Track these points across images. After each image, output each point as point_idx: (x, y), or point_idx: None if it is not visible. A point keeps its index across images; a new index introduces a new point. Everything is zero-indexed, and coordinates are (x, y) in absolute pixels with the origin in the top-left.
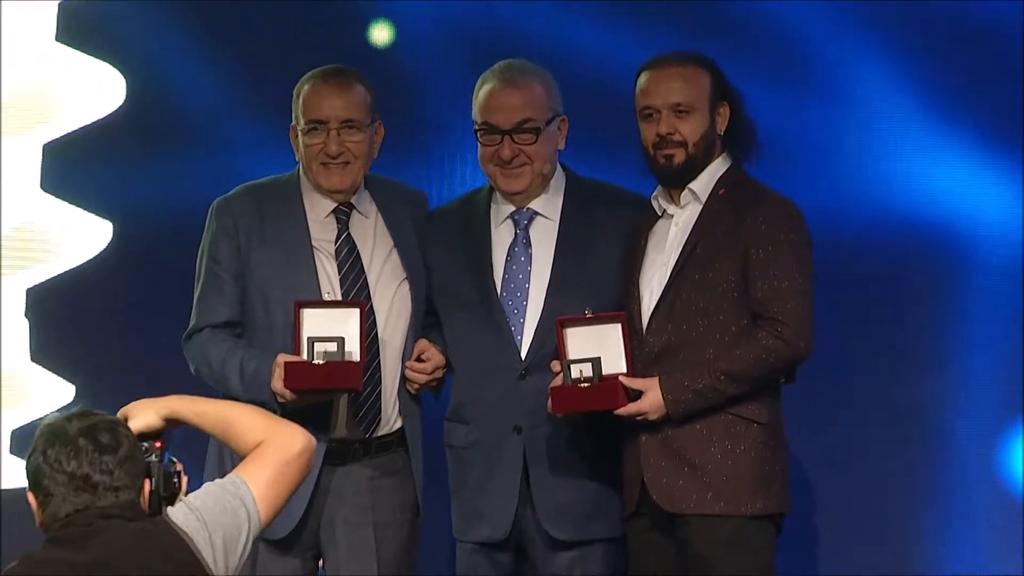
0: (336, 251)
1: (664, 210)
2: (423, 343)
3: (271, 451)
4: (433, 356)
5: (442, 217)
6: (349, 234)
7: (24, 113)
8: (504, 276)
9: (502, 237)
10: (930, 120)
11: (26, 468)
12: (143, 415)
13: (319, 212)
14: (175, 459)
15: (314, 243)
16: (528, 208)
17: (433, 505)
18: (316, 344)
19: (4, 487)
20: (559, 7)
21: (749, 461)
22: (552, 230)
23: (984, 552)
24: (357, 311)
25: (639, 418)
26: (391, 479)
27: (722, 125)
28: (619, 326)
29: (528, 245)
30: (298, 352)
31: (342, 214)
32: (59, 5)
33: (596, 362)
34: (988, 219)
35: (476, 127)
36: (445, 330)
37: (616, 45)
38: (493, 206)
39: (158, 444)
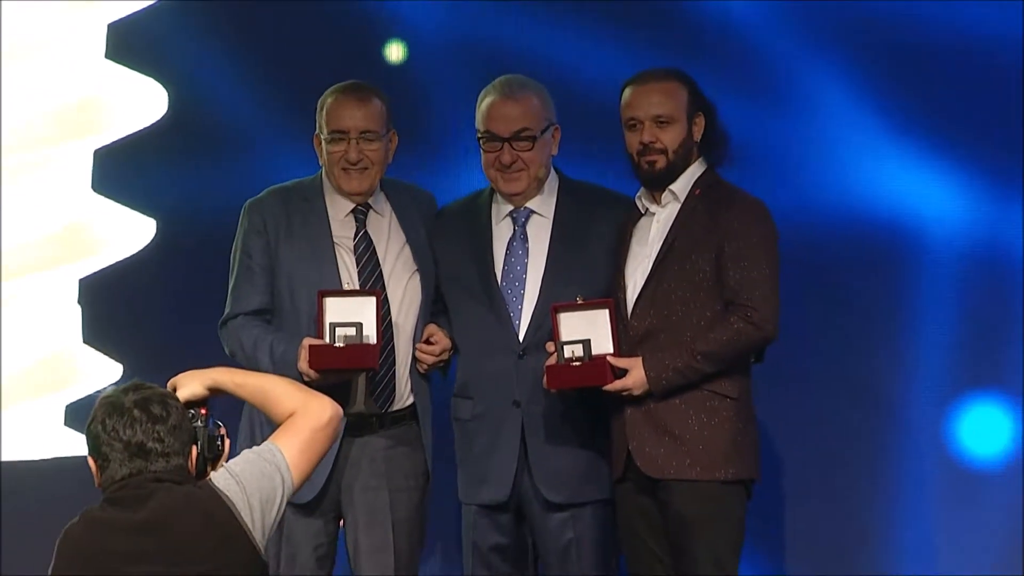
0: (355, 246)
1: (647, 209)
2: (432, 327)
3: (303, 421)
4: (441, 339)
5: (449, 215)
6: (366, 231)
7: (76, 122)
8: (504, 267)
9: (502, 233)
10: (883, 129)
11: (86, 435)
12: (190, 385)
13: (339, 211)
14: (220, 423)
15: (335, 239)
16: (525, 207)
17: (441, 472)
18: (337, 329)
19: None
20: (556, 29)
21: (722, 432)
22: (547, 226)
23: (932, 513)
24: (374, 299)
25: (625, 393)
26: (404, 448)
27: (698, 133)
28: (607, 311)
29: (525, 240)
30: (321, 336)
31: (360, 213)
32: (108, 26)
33: (586, 343)
34: (933, 215)
35: (479, 135)
36: (451, 315)
37: (604, 62)
38: (494, 205)
39: (203, 411)
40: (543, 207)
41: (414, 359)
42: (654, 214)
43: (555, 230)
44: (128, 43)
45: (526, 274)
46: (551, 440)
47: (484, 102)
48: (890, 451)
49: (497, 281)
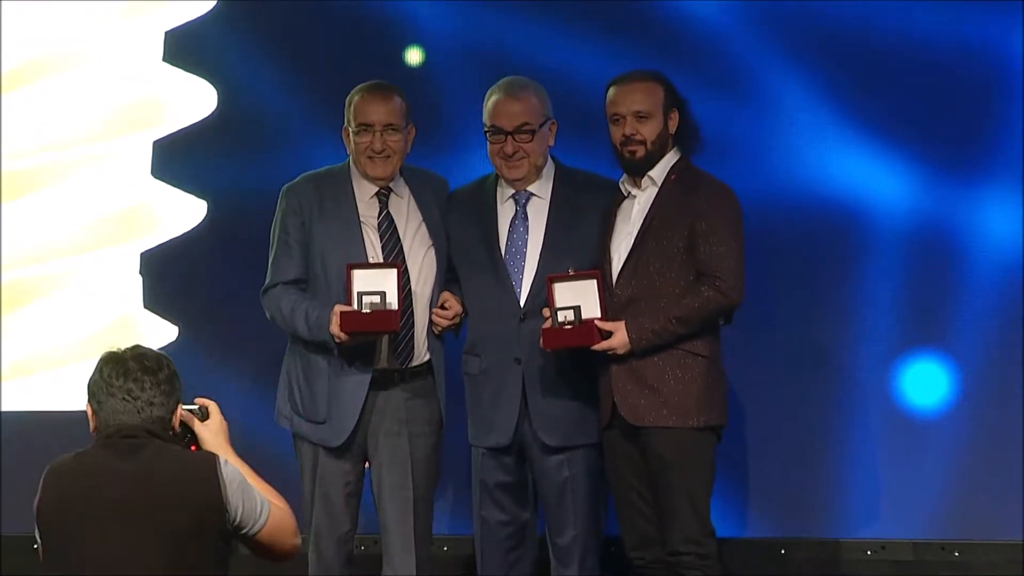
0: (378, 224)
1: (629, 192)
2: (446, 294)
3: (287, 532)
4: (453, 305)
5: (459, 197)
6: (388, 212)
7: (137, 117)
8: (507, 243)
9: (506, 213)
10: (836, 123)
11: (87, 386)
12: (206, 435)
13: (365, 194)
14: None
15: (361, 218)
16: (526, 191)
17: (454, 419)
18: (364, 297)
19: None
20: (554, 36)
21: (695, 385)
22: (544, 207)
23: (879, 459)
24: (395, 271)
25: (610, 352)
26: (421, 399)
27: (673, 127)
28: (595, 281)
29: (526, 219)
30: (350, 303)
31: (383, 196)
32: (164, 33)
33: (577, 309)
34: (879, 198)
35: (485, 129)
36: (462, 284)
37: (594, 64)
38: (499, 189)
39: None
40: (541, 190)
41: (430, 322)
42: (635, 197)
43: (552, 210)
44: (182, 48)
45: (526, 248)
46: (547, 392)
47: (490, 100)
48: (841, 402)
49: (501, 254)
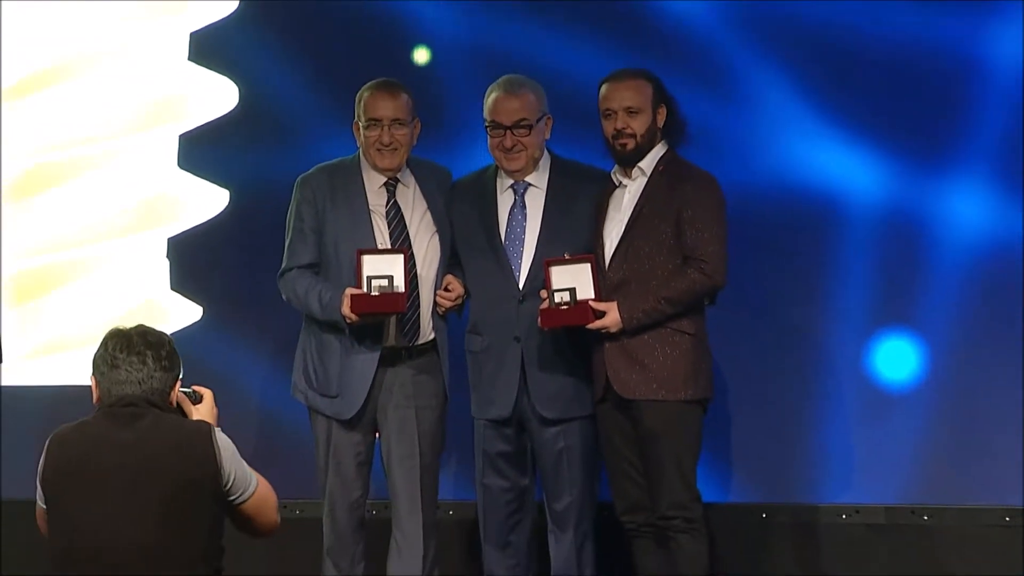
0: (386, 212)
1: (620, 182)
2: (449, 277)
3: (271, 507)
4: (456, 287)
5: (461, 187)
6: (395, 200)
7: (165, 113)
8: (506, 229)
9: (505, 201)
10: (814, 117)
11: (92, 360)
12: (196, 418)
13: (374, 184)
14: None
15: (371, 207)
16: (524, 181)
17: (457, 394)
18: (373, 280)
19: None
20: (551, 37)
21: (682, 361)
22: (541, 196)
23: (853, 430)
24: (401, 256)
25: (603, 331)
26: (427, 375)
27: (661, 121)
28: (589, 265)
29: (524, 207)
30: (359, 286)
31: (390, 185)
32: (190, 34)
33: (572, 291)
34: (854, 187)
35: (487, 123)
36: (464, 268)
37: (589, 62)
38: (498, 179)
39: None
40: (538, 180)
41: (435, 303)
42: (626, 186)
43: (548, 199)
44: (206, 48)
45: (524, 235)
46: (544, 368)
47: (490, 97)
48: (818, 377)
49: (501, 240)
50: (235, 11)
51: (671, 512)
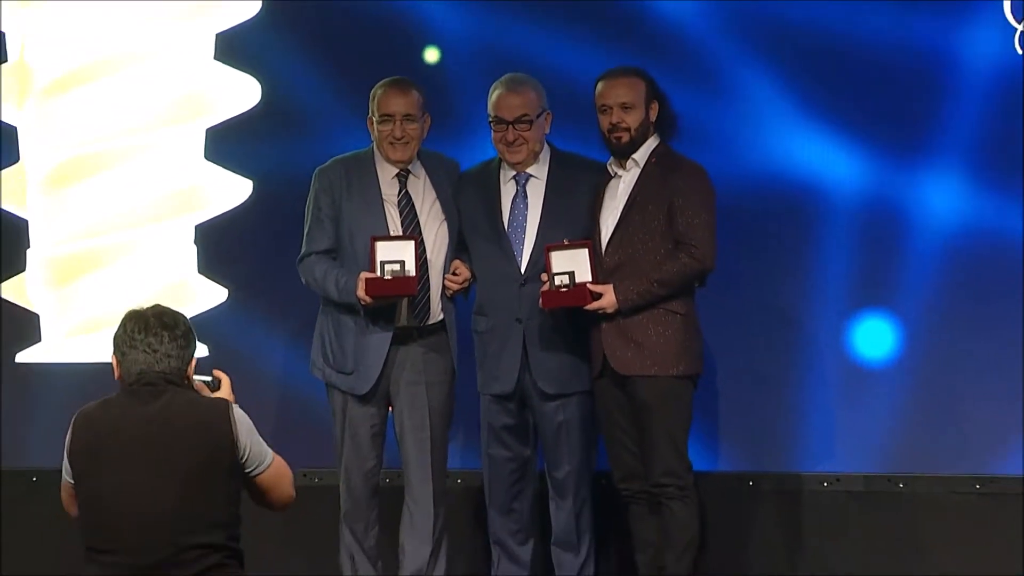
0: (398, 201)
1: (616, 172)
2: (457, 262)
3: (287, 481)
4: (463, 272)
5: (467, 178)
6: (407, 190)
7: (193, 108)
8: (509, 218)
9: (508, 192)
10: (798, 112)
11: (113, 340)
12: (224, 391)
13: (387, 175)
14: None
15: (384, 196)
16: (525, 172)
17: (466, 370)
18: (386, 265)
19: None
20: (553, 38)
21: (674, 340)
22: (541, 187)
23: (833, 403)
24: (412, 243)
25: (600, 311)
26: (436, 353)
27: (653, 116)
28: (586, 249)
29: (525, 197)
30: (373, 271)
31: (402, 176)
32: (216, 35)
33: (571, 274)
34: (835, 177)
35: (490, 119)
36: (471, 253)
37: (587, 60)
38: (501, 171)
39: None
40: (539, 172)
41: (443, 286)
42: (621, 176)
43: (548, 189)
44: (231, 48)
45: (526, 223)
46: (545, 347)
47: (494, 94)
48: (801, 354)
49: (504, 228)
50: (258, 13)
51: (664, 479)
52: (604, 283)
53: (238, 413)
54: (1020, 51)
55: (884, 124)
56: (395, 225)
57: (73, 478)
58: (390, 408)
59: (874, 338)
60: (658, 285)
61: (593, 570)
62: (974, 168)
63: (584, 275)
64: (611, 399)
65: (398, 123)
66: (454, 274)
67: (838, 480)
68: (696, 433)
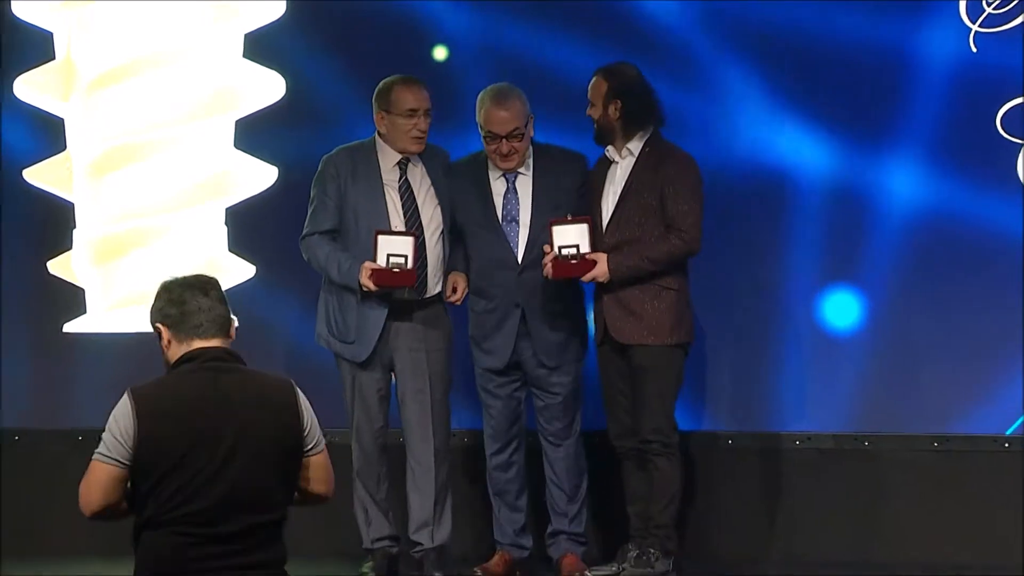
0: (399, 187)
1: (614, 160)
2: (454, 277)
3: (330, 469)
4: (461, 288)
5: (459, 169)
6: (406, 177)
7: (224, 101)
8: (503, 212)
9: (499, 187)
10: (773, 105)
11: (151, 312)
12: None
13: (388, 163)
14: None
15: (385, 182)
16: (513, 171)
17: (462, 345)
18: (391, 258)
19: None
20: (550, 38)
21: (668, 312)
22: (529, 181)
23: (805, 369)
24: (412, 238)
25: (593, 281)
26: (434, 322)
27: (615, 113)
28: (587, 224)
29: (516, 192)
30: (375, 259)
31: (402, 164)
32: (244, 35)
33: (578, 247)
34: (807, 163)
35: (482, 132)
36: (467, 240)
37: (583, 58)
38: (490, 168)
39: None
40: (525, 168)
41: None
42: (618, 163)
43: (535, 183)
44: (258, 47)
45: (519, 216)
46: (543, 326)
47: (483, 110)
48: (776, 324)
49: (499, 220)
50: (283, 15)
51: (651, 436)
52: (599, 252)
53: (301, 393)
54: (974, 49)
55: (851, 116)
56: (396, 208)
57: (132, 461)
58: (392, 373)
59: (841, 310)
60: (648, 262)
61: (586, 514)
62: (932, 156)
63: (585, 248)
64: (611, 364)
65: (421, 118)
66: (453, 291)
67: (809, 439)
68: (681, 396)
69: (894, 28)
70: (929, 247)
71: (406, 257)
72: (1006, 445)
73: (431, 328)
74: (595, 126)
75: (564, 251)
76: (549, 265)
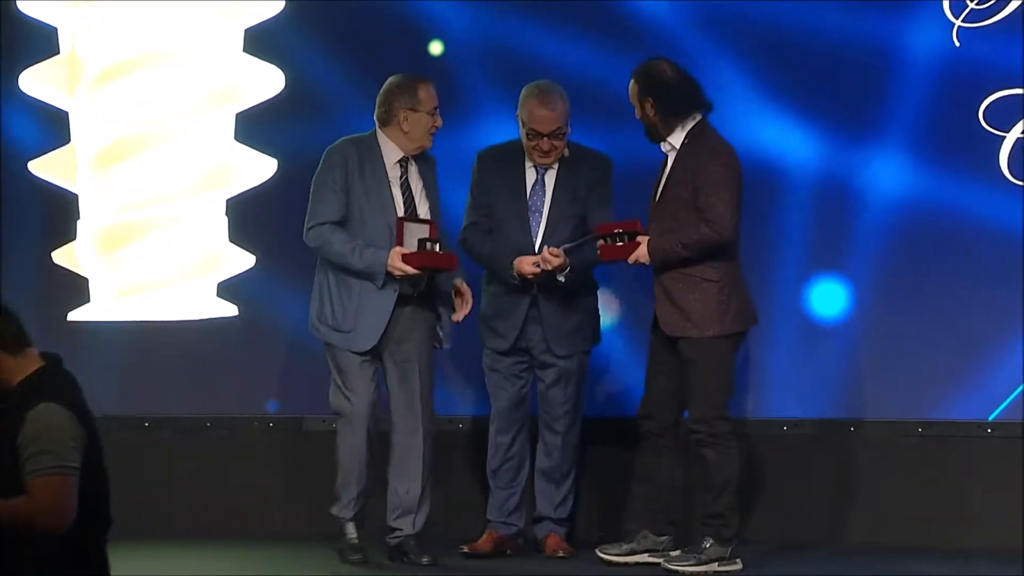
0: (400, 184)
1: (665, 153)
2: (463, 290)
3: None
4: (468, 300)
5: (493, 155)
6: (407, 176)
7: (224, 95)
8: (529, 201)
9: (530, 177)
10: (763, 99)
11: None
12: None
13: (392, 159)
14: None
15: (389, 177)
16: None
17: (469, 328)
18: (427, 243)
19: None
20: (550, 35)
21: (707, 305)
22: (554, 176)
23: (793, 357)
24: (431, 226)
25: (637, 263)
26: (424, 314)
27: (651, 110)
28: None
29: (543, 184)
30: (401, 244)
31: (404, 161)
32: (244, 30)
33: (626, 235)
34: (795, 156)
35: (525, 129)
36: (494, 222)
37: (580, 55)
38: (525, 156)
39: None
40: (553, 163)
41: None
42: (669, 156)
43: (559, 179)
44: (258, 42)
45: (543, 207)
46: (555, 313)
47: (527, 106)
48: (763, 312)
49: (526, 208)
50: (282, 11)
51: (696, 427)
52: (644, 234)
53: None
54: (957, 43)
55: (838, 108)
56: (399, 204)
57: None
58: (381, 363)
59: (828, 299)
60: (681, 246)
61: (572, 500)
62: (916, 148)
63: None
64: (661, 348)
65: (438, 115)
66: (463, 303)
67: (796, 424)
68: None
69: (879, 23)
70: (914, 237)
71: (438, 242)
72: (989, 431)
73: (419, 318)
74: (644, 125)
75: (618, 238)
76: (599, 250)
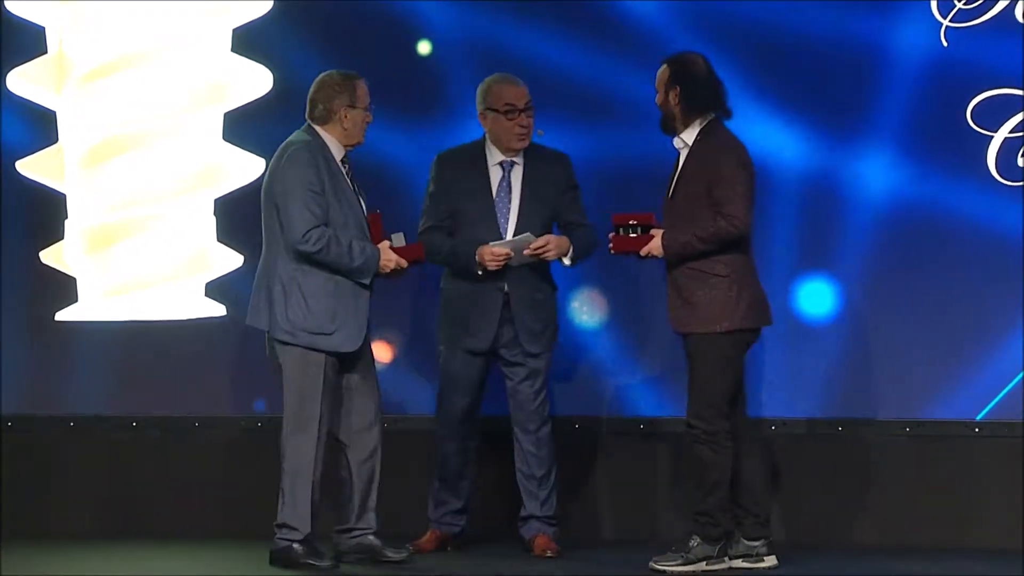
0: (349, 179)
1: (679, 148)
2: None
3: None
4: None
5: (453, 156)
6: (351, 171)
7: (212, 95)
8: (496, 198)
9: (495, 175)
10: (751, 100)
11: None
12: None
13: (337, 156)
14: None
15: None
16: (509, 160)
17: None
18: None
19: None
20: (537, 34)
21: (716, 301)
22: (520, 173)
23: (781, 356)
24: (377, 217)
25: (650, 256)
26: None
27: (675, 99)
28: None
29: (509, 182)
30: (377, 239)
31: (345, 159)
32: (232, 30)
33: (640, 227)
34: (783, 157)
35: (498, 109)
36: (459, 223)
37: (572, 54)
38: (488, 156)
39: None
40: (519, 159)
41: None
42: (681, 152)
43: (526, 177)
44: (246, 41)
45: (510, 205)
46: (528, 314)
47: (497, 86)
48: None
49: (494, 208)
50: (270, 11)
51: (692, 422)
52: (658, 227)
53: None
54: (945, 43)
55: (825, 108)
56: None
57: None
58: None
59: (816, 298)
60: (697, 240)
61: (555, 498)
62: (904, 147)
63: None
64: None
65: (371, 111)
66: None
67: (784, 424)
68: (662, 381)
69: (868, 23)
70: (902, 237)
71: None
72: (976, 430)
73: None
74: (662, 114)
75: (631, 230)
76: (611, 241)
